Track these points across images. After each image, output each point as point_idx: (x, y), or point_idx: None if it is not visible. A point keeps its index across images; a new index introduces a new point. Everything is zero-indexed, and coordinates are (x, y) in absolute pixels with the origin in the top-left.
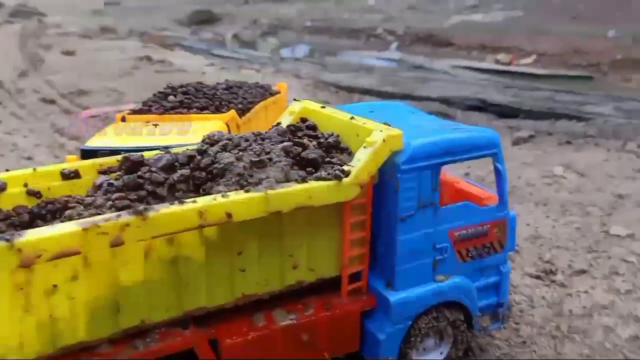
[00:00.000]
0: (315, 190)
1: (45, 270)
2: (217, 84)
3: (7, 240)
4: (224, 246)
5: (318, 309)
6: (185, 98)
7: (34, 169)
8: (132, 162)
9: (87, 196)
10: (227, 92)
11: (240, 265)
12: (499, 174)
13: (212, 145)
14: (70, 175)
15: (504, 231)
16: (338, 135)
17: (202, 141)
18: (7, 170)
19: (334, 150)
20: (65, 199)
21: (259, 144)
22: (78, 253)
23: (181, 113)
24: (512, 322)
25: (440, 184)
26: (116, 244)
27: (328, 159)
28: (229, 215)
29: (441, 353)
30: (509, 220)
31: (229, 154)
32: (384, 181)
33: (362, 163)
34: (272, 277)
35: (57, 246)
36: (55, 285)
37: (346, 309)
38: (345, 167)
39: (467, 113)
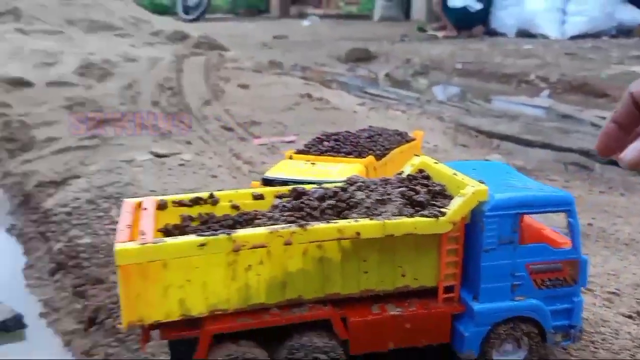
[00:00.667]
0: (419, 223)
1: (245, 256)
2: (361, 130)
3: (228, 234)
4: (354, 254)
5: (419, 307)
6: (336, 144)
7: (236, 190)
8: (297, 192)
9: (268, 212)
10: (368, 140)
11: (364, 268)
12: (571, 227)
13: (351, 185)
14: (258, 197)
15: (576, 270)
16: (444, 185)
17: (345, 181)
18: (220, 190)
19: (439, 197)
20: (255, 212)
21: (382, 187)
22: (264, 247)
23: (332, 156)
24: (592, 347)
25: (526, 227)
26: (287, 243)
27: (433, 202)
28: (358, 234)
29: (518, 357)
30: (580, 262)
31: (361, 192)
32: (475, 222)
33: (454, 207)
34: (386, 279)
35: (254, 241)
36: (250, 265)
37: (440, 310)
38: (443, 210)
39: (605, 167)
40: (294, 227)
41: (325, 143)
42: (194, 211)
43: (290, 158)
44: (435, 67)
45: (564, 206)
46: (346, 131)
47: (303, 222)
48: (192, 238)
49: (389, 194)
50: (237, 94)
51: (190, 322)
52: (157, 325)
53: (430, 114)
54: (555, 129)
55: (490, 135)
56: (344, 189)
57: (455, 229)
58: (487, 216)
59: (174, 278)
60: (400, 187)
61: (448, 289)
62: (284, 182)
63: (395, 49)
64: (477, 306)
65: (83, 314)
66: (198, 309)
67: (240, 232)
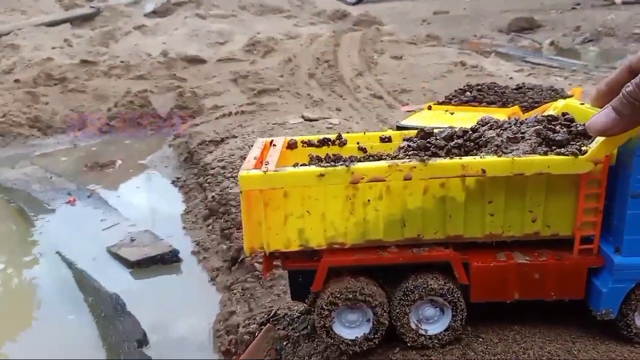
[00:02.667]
0: (553, 161)
1: (364, 190)
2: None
3: (347, 165)
4: (479, 195)
5: (550, 257)
6: (479, 94)
7: (364, 133)
8: (425, 133)
9: (394, 153)
10: (516, 91)
11: (490, 210)
12: None
13: (483, 125)
14: (385, 139)
15: None
16: (582, 125)
17: (477, 123)
18: (348, 132)
19: (581, 137)
20: (381, 153)
21: (517, 126)
22: (383, 180)
23: (473, 106)
24: None
25: None
26: (407, 178)
27: (573, 143)
28: (483, 171)
29: None
30: None
31: (492, 131)
32: (621, 163)
33: (597, 144)
34: (514, 224)
35: (373, 174)
36: (368, 200)
37: (574, 262)
38: (584, 148)
39: None
40: (414, 162)
41: (468, 93)
42: (322, 152)
43: (429, 108)
44: (608, 33)
45: None
46: (492, 82)
47: (425, 157)
48: (312, 168)
49: (523, 133)
50: (390, 64)
51: (310, 255)
52: (278, 256)
53: (597, 80)
54: None
55: None
56: (474, 129)
57: (597, 170)
58: (638, 155)
59: (294, 208)
60: (536, 126)
61: (586, 240)
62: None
63: (564, 16)
64: (618, 259)
65: (228, 253)
66: (316, 240)
67: (359, 165)
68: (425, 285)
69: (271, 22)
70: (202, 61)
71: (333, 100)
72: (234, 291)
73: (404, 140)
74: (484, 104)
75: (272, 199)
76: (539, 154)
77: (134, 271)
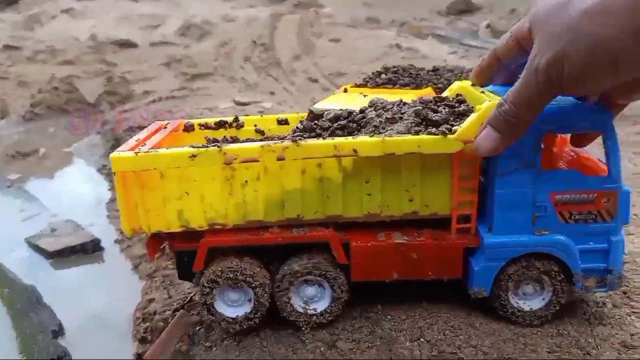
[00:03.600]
0: (423, 141)
1: (242, 170)
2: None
3: (219, 146)
4: (356, 174)
5: (427, 237)
6: (394, 76)
7: (262, 115)
8: (314, 115)
9: (287, 135)
10: (432, 73)
11: (367, 190)
12: (607, 150)
13: (370, 107)
14: (282, 122)
15: (614, 203)
16: (469, 106)
17: (368, 104)
18: (246, 115)
19: (464, 118)
20: (276, 136)
21: (399, 107)
22: (256, 161)
23: (388, 88)
24: (634, 295)
25: (560, 154)
26: (280, 158)
27: (454, 123)
28: (355, 151)
29: (543, 299)
30: (620, 194)
31: (374, 112)
32: None
33: (466, 124)
34: (392, 204)
35: (245, 154)
36: (246, 181)
37: (451, 242)
38: (455, 127)
39: None
40: (287, 142)
41: (383, 75)
42: (220, 134)
43: (345, 91)
44: None
45: (598, 125)
46: (410, 65)
47: (297, 138)
48: (184, 149)
49: (402, 113)
50: (328, 47)
51: (195, 236)
52: (165, 237)
53: None
54: None
55: None
56: (362, 111)
57: (468, 149)
58: None
59: (172, 189)
60: (417, 106)
61: (464, 219)
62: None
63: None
64: (489, 238)
65: None
66: (197, 221)
67: (232, 146)
68: (305, 265)
69: (207, 4)
70: (133, 45)
71: (268, 84)
72: (155, 279)
73: (300, 122)
74: (398, 86)
75: (149, 181)
76: (412, 133)
77: (53, 262)
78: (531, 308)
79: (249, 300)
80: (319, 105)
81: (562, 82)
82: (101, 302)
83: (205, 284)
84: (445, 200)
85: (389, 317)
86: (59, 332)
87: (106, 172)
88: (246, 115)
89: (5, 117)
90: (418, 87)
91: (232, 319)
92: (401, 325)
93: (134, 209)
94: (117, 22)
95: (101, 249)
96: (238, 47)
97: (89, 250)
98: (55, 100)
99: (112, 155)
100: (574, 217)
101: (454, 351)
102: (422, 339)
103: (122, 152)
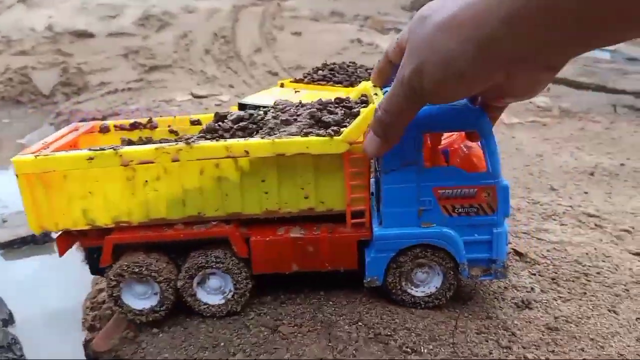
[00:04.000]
0: (311, 142)
1: (142, 171)
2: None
3: (114, 149)
4: (252, 174)
5: (323, 231)
6: (330, 73)
7: (175, 117)
8: (219, 116)
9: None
10: (367, 72)
11: (264, 189)
12: (484, 147)
13: (272, 108)
14: (195, 122)
15: (493, 197)
16: (368, 106)
17: (273, 105)
18: (161, 116)
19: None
20: (189, 136)
21: (296, 109)
22: (152, 162)
23: (321, 85)
24: (584, 279)
25: (450, 151)
26: (174, 160)
27: (346, 124)
28: (247, 152)
29: (435, 287)
30: (499, 188)
31: (272, 114)
32: None
33: (350, 126)
34: (289, 201)
35: (141, 156)
36: (146, 181)
37: (345, 235)
38: (342, 129)
39: None
40: (180, 144)
41: (320, 72)
42: (135, 135)
43: (282, 86)
44: None
45: (473, 124)
46: (351, 62)
47: (191, 140)
48: (82, 152)
49: (298, 115)
50: (289, 41)
51: (104, 233)
52: (77, 236)
53: None
54: (614, 70)
55: None
56: (265, 112)
57: (358, 149)
58: None
59: (76, 189)
60: (311, 109)
61: (358, 214)
62: (256, 107)
63: None
64: (378, 231)
65: None
66: (102, 220)
67: (127, 148)
68: (206, 259)
69: None
70: (90, 35)
71: (227, 76)
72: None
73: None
74: (331, 83)
75: (52, 181)
76: (302, 135)
77: (4, 252)
78: (425, 293)
79: (155, 294)
80: (249, 99)
81: (423, 93)
82: (52, 292)
83: (112, 278)
84: (340, 197)
85: (330, 302)
86: (8, 320)
87: None
88: (205, 109)
89: None
90: (351, 85)
91: (139, 310)
92: (341, 310)
93: (39, 208)
94: (75, 12)
95: (52, 240)
96: (198, 39)
97: (40, 241)
98: (10, 92)
99: (13, 158)
100: (457, 210)
101: (390, 333)
102: (360, 323)
103: (24, 155)
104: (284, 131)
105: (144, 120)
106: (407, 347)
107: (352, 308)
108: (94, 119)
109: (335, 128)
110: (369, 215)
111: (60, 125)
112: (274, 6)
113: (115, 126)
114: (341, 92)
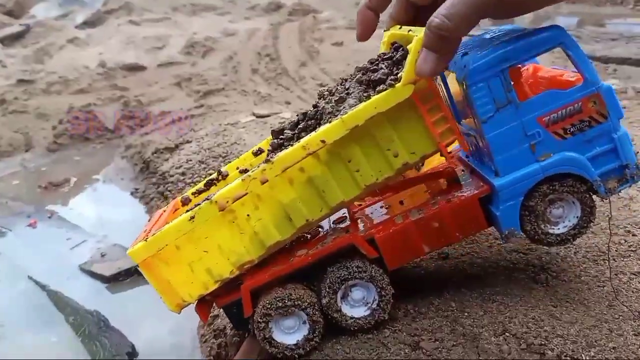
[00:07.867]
0: (377, 101)
1: (240, 208)
2: None
3: (208, 199)
4: (336, 160)
5: (442, 203)
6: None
7: (238, 157)
8: (276, 132)
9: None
10: None
11: (353, 168)
12: (573, 59)
13: (319, 99)
14: (257, 153)
15: (600, 103)
16: (404, 49)
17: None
18: (270, 127)
19: (404, 62)
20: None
21: (342, 86)
22: (245, 194)
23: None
24: None
25: (535, 81)
26: (263, 181)
27: (397, 72)
28: (323, 141)
29: (576, 217)
30: (603, 92)
31: (324, 101)
32: (465, 97)
33: (406, 67)
34: (382, 167)
35: (232, 194)
36: (248, 215)
37: (463, 199)
38: (400, 74)
39: None
40: (262, 165)
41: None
42: (214, 191)
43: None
44: None
45: (554, 41)
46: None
47: (268, 157)
48: (182, 216)
49: (347, 89)
50: (332, 52)
51: (234, 286)
52: (210, 300)
53: None
54: None
55: (606, 60)
56: (314, 106)
57: (422, 86)
58: (469, 86)
59: (191, 253)
60: (357, 76)
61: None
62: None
63: None
64: (497, 181)
65: None
66: (227, 270)
67: (219, 192)
68: (347, 271)
69: (205, 20)
70: (141, 68)
71: (280, 93)
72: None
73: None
74: None
75: (169, 257)
76: (364, 101)
77: (110, 286)
78: (567, 227)
79: (304, 323)
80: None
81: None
82: (162, 322)
83: (259, 320)
84: (427, 140)
85: (465, 313)
86: (133, 353)
87: (139, 195)
88: (270, 126)
89: (29, 150)
90: None
91: (294, 344)
92: (481, 321)
93: (170, 287)
94: (123, 46)
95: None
96: (243, 60)
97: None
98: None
99: (129, 251)
100: (569, 130)
101: (543, 342)
102: (507, 333)
103: (135, 246)
104: (344, 107)
105: (214, 175)
106: (566, 356)
107: (492, 318)
108: (166, 148)
109: (392, 77)
110: (462, 139)
111: (132, 157)
112: (309, 19)
113: (193, 193)
114: None
